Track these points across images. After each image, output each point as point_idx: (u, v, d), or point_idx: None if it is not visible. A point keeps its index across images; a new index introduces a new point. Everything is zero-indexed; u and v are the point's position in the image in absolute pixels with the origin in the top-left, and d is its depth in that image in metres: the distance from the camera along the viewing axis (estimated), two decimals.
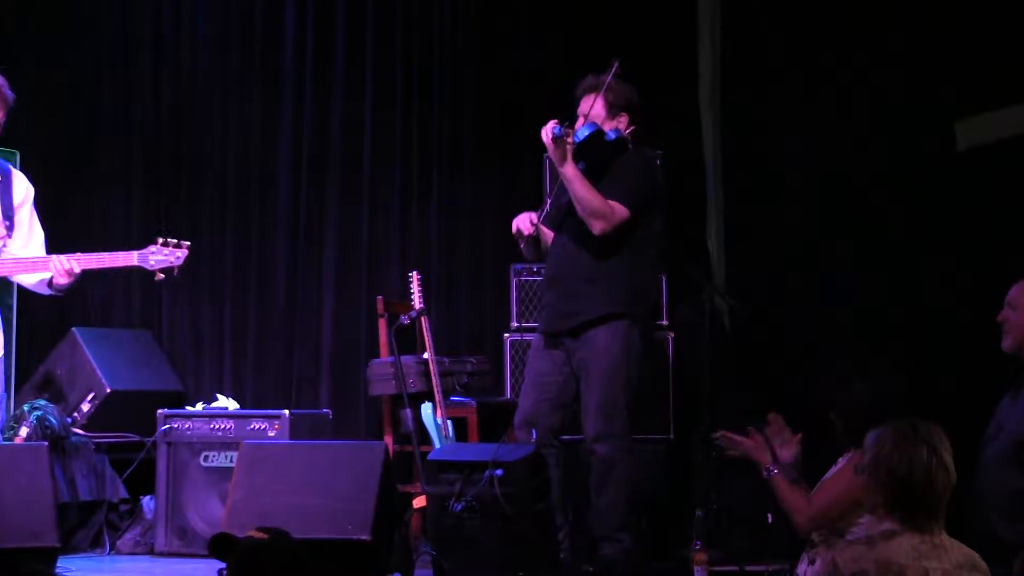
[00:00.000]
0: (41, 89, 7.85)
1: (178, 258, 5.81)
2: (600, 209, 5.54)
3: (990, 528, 4.42)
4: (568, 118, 5.73)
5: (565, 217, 5.72)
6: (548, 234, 5.84)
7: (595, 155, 5.61)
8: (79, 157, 7.92)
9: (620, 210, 5.57)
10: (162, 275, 5.82)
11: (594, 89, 5.68)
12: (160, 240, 5.81)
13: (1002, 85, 6.63)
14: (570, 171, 5.53)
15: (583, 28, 7.35)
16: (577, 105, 5.75)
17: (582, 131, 5.56)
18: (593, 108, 5.69)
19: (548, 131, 5.47)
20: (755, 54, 7.11)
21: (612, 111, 5.69)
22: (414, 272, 6.73)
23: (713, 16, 7.10)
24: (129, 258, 5.83)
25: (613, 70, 5.61)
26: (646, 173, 5.71)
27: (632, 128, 5.73)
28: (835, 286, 6.89)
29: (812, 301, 6.92)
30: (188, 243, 5.85)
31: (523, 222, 5.72)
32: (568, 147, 5.48)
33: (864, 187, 6.90)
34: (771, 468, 4.54)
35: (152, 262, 5.80)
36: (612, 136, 5.64)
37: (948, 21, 6.72)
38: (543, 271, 6.05)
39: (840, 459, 4.69)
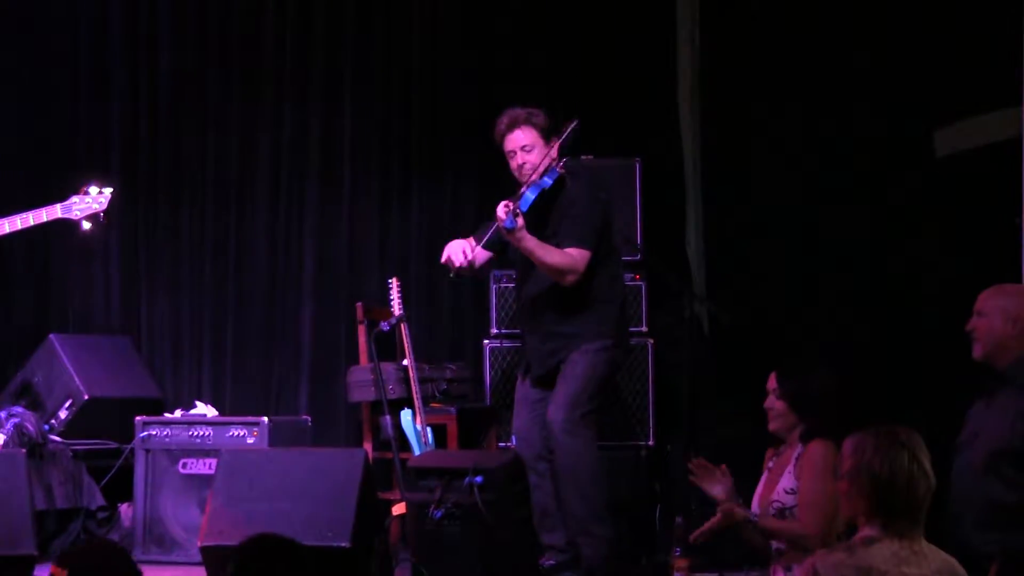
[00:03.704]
0: (20, 92, 7.83)
1: (101, 203, 5.85)
2: (565, 266, 5.68)
3: (964, 536, 4.41)
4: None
5: (528, 261, 5.80)
6: (483, 255, 5.95)
7: (541, 205, 5.71)
8: (58, 159, 7.86)
9: (582, 256, 5.69)
10: (88, 224, 5.87)
11: (524, 122, 5.80)
12: (82, 189, 5.83)
13: (979, 93, 6.66)
14: (529, 244, 5.64)
15: (564, 31, 7.36)
16: (503, 144, 5.84)
17: (526, 201, 5.66)
18: (530, 138, 5.79)
19: (499, 221, 5.55)
20: (735, 58, 7.11)
21: (546, 136, 5.81)
22: (393, 279, 6.73)
23: (692, 21, 7.10)
24: (52, 211, 5.89)
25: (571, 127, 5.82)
26: (589, 201, 5.81)
27: (564, 159, 5.85)
28: (816, 291, 6.90)
29: (793, 306, 6.93)
30: (111, 188, 5.86)
31: (456, 253, 5.81)
32: (521, 226, 5.56)
33: (846, 192, 6.90)
34: (749, 517, 4.62)
35: (76, 212, 5.86)
36: (550, 183, 5.73)
37: (930, 27, 6.76)
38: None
39: (770, 459, 4.84)
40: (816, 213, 6.92)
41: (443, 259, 5.89)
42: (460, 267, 5.84)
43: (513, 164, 5.85)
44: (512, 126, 5.82)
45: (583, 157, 6.88)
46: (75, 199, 5.87)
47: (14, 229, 5.90)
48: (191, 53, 7.89)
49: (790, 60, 6.99)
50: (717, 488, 4.65)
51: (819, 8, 6.95)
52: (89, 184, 5.89)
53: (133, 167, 7.89)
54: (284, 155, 7.77)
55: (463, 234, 7.37)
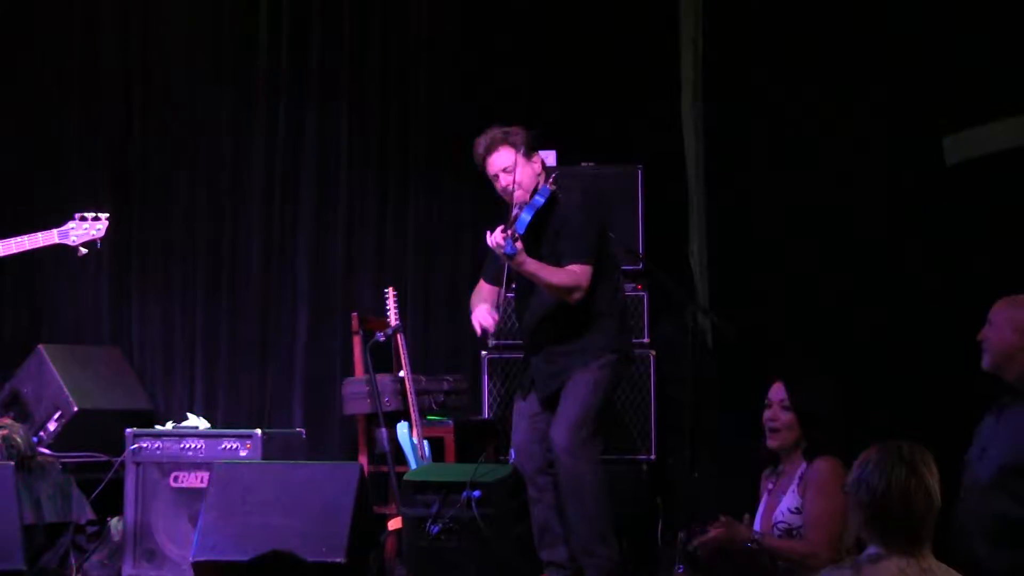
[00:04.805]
0: (11, 92, 7.81)
1: (99, 230, 5.98)
2: (569, 284, 5.63)
3: (973, 552, 4.41)
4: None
5: (527, 281, 5.76)
6: (496, 291, 5.90)
7: (535, 224, 5.65)
8: (49, 163, 7.85)
9: (584, 271, 5.64)
10: (85, 249, 5.98)
11: (501, 142, 5.72)
12: (78, 215, 5.95)
13: (990, 99, 6.65)
14: (531, 268, 5.59)
15: (564, 37, 7.33)
16: (484, 167, 5.79)
17: (522, 223, 5.59)
18: (511, 158, 5.70)
19: (498, 248, 5.48)
20: (738, 62, 7.09)
21: (527, 153, 5.74)
22: (390, 288, 6.69)
23: (696, 24, 7.07)
24: (50, 237, 6.00)
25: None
26: (583, 214, 5.75)
27: (553, 174, 5.78)
28: (822, 301, 6.87)
29: (798, 317, 6.90)
30: (107, 215, 6.00)
31: (486, 320, 5.76)
32: (521, 250, 5.51)
33: (853, 199, 6.88)
34: (753, 538, 4.54)
35: (73, 238, 5.97)
36: (542, 201, 5.67)
37: (934, 34, 6.74)
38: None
39: (768, 480, 4.78)
40: (822, 220, 6.89)
41: (479, 330, 5.83)
42: (493, 332, 5.84)
43: (498, 187, 5.80)
44: (490, 149, 5.76)
45: (583, 164, 6.89)
46: (72, 225, 5.97)
47: (8, 252, 5.99)
48: (182, 55, 7.85)
49: (794, 64, 6.97)
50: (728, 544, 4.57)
51: (824, 10, 6.94)
52: (86, 210, 5.97)
53: (124, 173, 7.86)
54: (278, 161, 7.75)
55: (457, 242, 7.48)
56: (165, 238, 7.81)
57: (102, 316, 7.84)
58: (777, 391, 4.68)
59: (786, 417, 4.65)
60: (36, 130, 7.88)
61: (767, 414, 4.69)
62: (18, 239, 5.99)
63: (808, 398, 4.64)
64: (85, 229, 5.96)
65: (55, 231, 5.95)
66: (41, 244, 5.99)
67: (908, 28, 6.81)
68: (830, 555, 4.38)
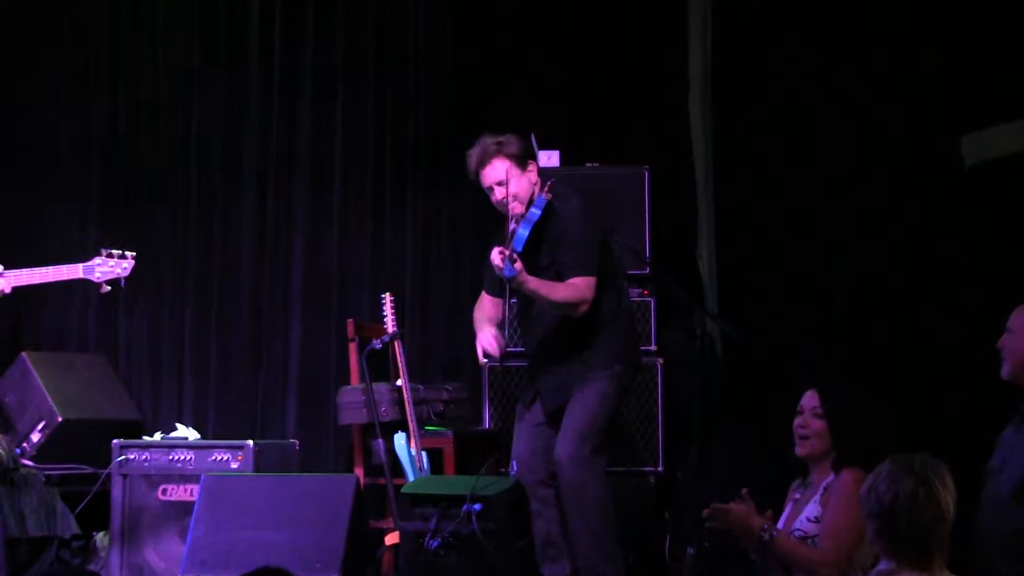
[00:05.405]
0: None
1: (124, 269, 6.02)
2: (574, 299, 5.57)
3: (992, 565, 4.36)
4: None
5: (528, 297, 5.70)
6: (499, 304, 5.81)
7: (533, 236, 5.56)
8: (37, 163, 7.78)
9: (587, 283, 5.58)
10: (108, 287, 6.02)
11: (494, 154, 5.63)
12: (104, 252, 5.99)
13: (995, 99, 6.64)
14: (533, 286, 5.52)
15: (567, 35, 7.29)
16: (478, 180, 5.70)
17: (520, 240, 5.50)
18: (504, 171, 5.60)
19: (498, 271, 5.39)
20: (748, 62, 7.06)
21: (521, 163, 5.65)
22: (387, 294, 6.64)
23: (704, 23, 7.05)
24: (74, 271, 6.01)
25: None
26: (582, 222, 5.66)
27: (549, 183, 5.68)
28: (833, 309, 6.86)
29: (810, 325, 6.87)
30: (133, 253, 6.05)
31: (491, 345, 5.72)
32: (521, 270, 5.41)
33: (865, 204, 6.85)
34: (768, 530, 4.45)
35: (98, 274, 5.99)
36: (539, 214, 5.58)
37: (952, 32, 6.70)
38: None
39: (795, 491, 4.72)
40: (836, 222, 6.86)
41: (482, 358, 5.79)
42: (500, 355, 5.77)
43: (493, 199, 5.71)
44: (483, 162, 5.67)
45: (588, 165, 6.85)
46: (97, 261, 6.01)
47: (32, 282, 6.01)
48: (173, 57, 7.77)
49: (805, 61, 6.94)
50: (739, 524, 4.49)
51: (836, 7, 6.92)
52: (112, 248, 6.01)
53: (114, 172, 7.78)
54: (271, 162, 7.68)
55: (456, 247, 7.47)
56: (155, 239, 7.70)
57: (87, 321, 7.75)
58: (810, 398, 4.64)
59: (817, 425, 4.59)
60: (29, 128, 7.79)
61: (798, 421, 4.64)
62: (42, 270, 6.01)
63: (841, 407, 4.58)
64: (111, 267, 5.99)
65: (80, 266, 5.99)
66: (65, 277, 6.02)
67: (911, 28, 6.77)
68: (841, 566, 4.33)
